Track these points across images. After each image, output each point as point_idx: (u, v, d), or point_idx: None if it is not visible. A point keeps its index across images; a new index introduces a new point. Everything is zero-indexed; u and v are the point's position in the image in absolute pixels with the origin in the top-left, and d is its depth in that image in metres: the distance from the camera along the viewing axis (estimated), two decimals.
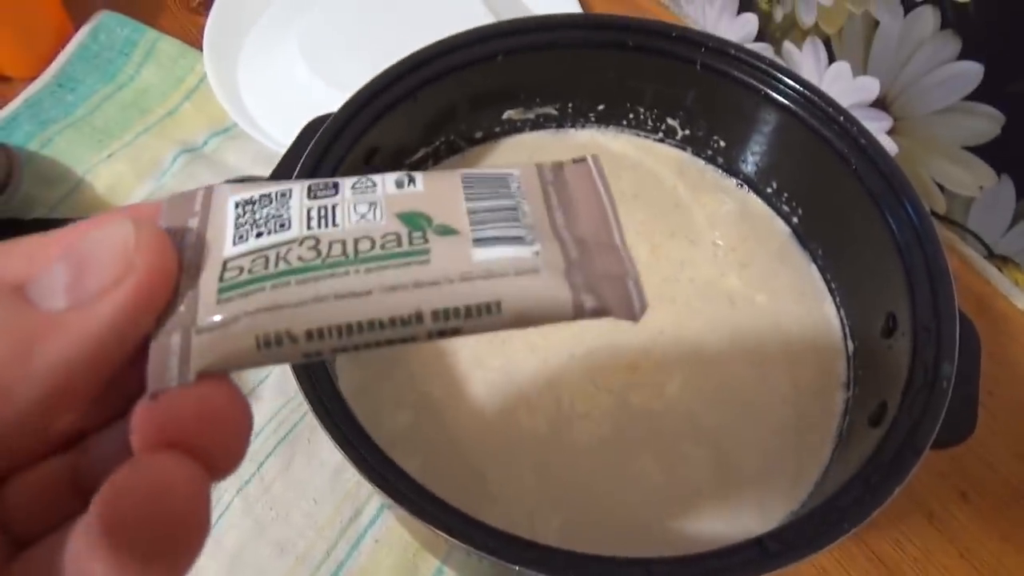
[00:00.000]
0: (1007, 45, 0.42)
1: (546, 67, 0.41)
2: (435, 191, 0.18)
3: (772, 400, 0.37)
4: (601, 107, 0.44)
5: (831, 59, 0.52)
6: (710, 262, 0.41)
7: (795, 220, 0.42)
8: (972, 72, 0.44)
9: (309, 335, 0.15)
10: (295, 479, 0.41)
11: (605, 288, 0.16)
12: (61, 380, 0.14)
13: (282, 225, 0.17)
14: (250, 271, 0.16)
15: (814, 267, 0.41)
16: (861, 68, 0.50)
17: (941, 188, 0.50)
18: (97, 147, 0.52)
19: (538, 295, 0.16)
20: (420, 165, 0.43)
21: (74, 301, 0.15)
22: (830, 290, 0.40)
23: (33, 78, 0.55)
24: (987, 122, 0.45)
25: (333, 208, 0.17)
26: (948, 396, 0.30)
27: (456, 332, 0.16)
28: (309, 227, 0.17)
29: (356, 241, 0.16)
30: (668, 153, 0.45)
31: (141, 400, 0.15)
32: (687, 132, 0.44)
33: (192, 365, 0.15)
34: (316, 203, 0.17)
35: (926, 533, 0.41)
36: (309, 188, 0.18)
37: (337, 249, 0.16)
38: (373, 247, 0.16)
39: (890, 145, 0.51)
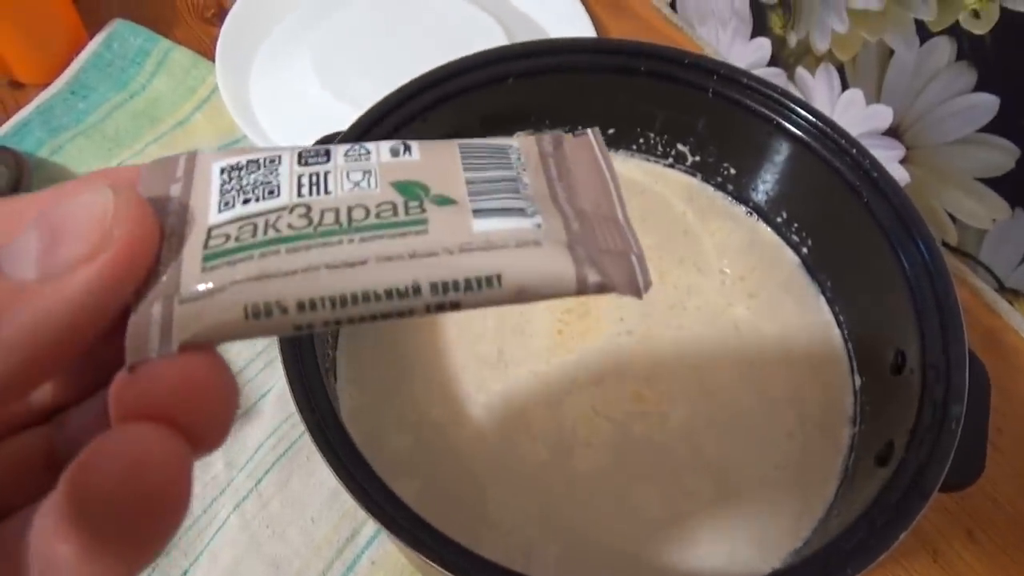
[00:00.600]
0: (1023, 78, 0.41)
1: (557, 90, 0.41)
2: (432, 160, 0.17)
3: (777, 433, 0.37)
4: (611, 131, 0.44)
5: (844, 86, 0.51)
6: (717, 290, 0.41)
7: (804, 251, 0.42)
8: (987, 104, 0.43)
9: (300, 306, 0.15)
10: (293, 497, 0.41)
11: (608, 264, 0.16)
12: (32, 351, 0.14)
13: (271, 192, 0.16)
14: (237, 239, 0.15)
15: (822, 299, 0.41)
16: (875, 96, 0.50)
17: (953, 219, 0.49)
18: (107, 155, 0.52)
19: (540, 268, 0.15)
20: None
21: (45, 272, 0.14)
22: (838, 323, 0.40)
23: (46, 85, 0.55)
24: (1002, 155, 0.44)
25: (325, 175, 0.16)
26: (957, 438, 0.29)
27: (455, 306, 0.15)
28: (300, 194, 0.16)
29: (350, 210, 0.16)
30: (678, 179, 0.44)
31: (120, 372, 0.14)
32: (697, 158, 0.44)
33: (175, 336, 0.14)
34: (307, 170, 0.16)
35: (930, 572, 0.41)
36: (300, 155, 0.17)
37: (330, 217, 0.15)
38: (368, 216, 0.16)
39: (902, 174, 0.50)
